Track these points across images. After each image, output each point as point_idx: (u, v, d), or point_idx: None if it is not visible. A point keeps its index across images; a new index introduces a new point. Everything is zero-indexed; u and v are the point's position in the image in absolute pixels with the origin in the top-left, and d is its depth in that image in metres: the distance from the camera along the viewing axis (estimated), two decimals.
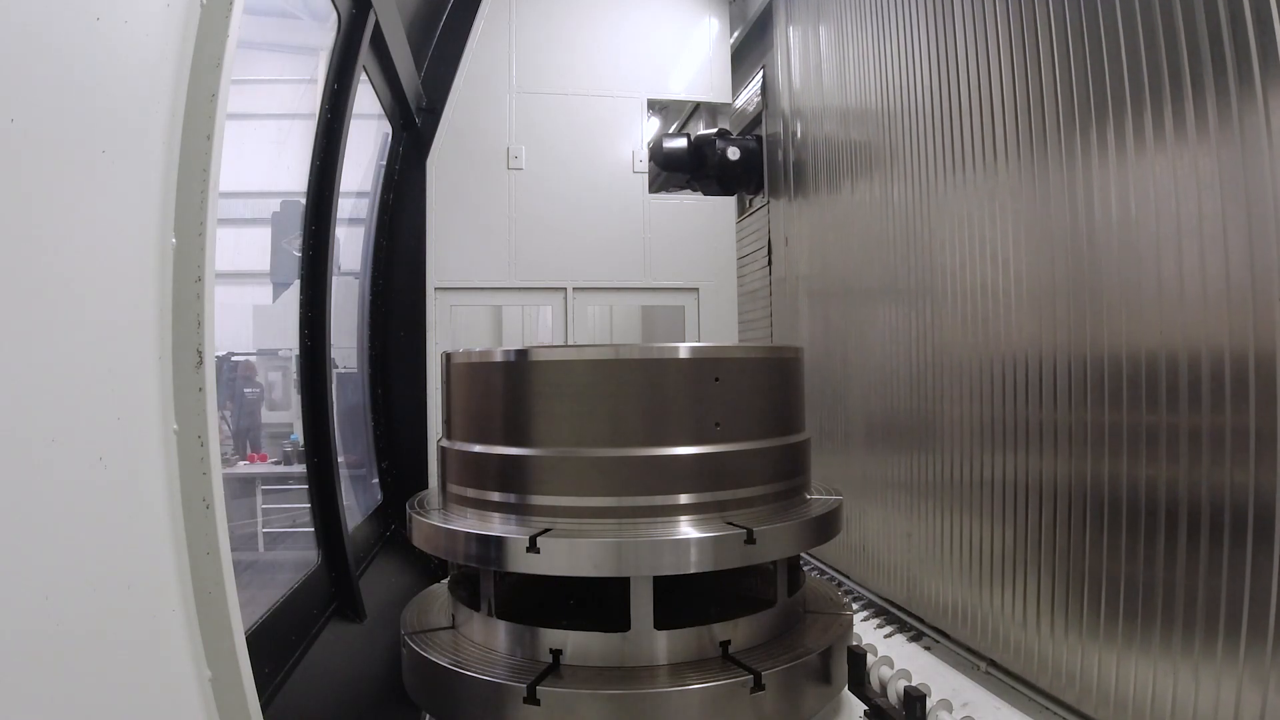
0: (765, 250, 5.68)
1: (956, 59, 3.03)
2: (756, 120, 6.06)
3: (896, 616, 3.59)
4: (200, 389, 1.50)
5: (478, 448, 2.51)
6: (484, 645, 2.41)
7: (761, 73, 5.79)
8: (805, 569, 3.03)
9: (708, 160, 5.80)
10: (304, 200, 3.63)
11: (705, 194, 6.09)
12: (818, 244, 4.68)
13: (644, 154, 6.10)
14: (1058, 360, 2.53)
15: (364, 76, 4.02)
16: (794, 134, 5.18)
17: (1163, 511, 2.10)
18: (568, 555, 2.19)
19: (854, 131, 4.09)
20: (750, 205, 6.13)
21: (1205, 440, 1.98)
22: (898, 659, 2.97)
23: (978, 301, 2.87)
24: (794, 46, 5.11)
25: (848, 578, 4.25)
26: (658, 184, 6.28)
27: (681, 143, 5.92)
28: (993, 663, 2.88)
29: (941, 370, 3.19)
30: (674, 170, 5.90)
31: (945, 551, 3.21)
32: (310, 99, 3.90)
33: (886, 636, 3.40)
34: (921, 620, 3.41)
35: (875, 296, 3.81)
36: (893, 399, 3.62)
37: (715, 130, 6.00)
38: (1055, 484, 2.57)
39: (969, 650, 3.03)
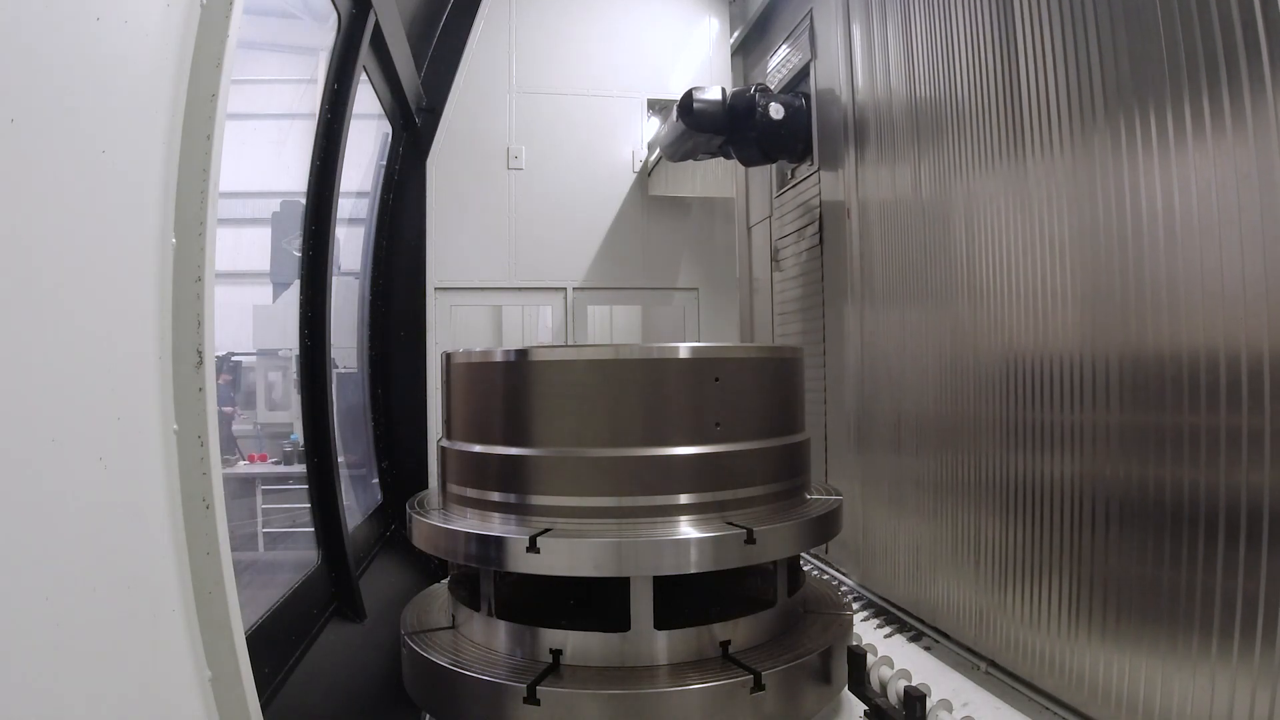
0: (815, 227, 4.72)
1: (1015, 34, 2.77)
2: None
3: (896, 616, 3.58)
4: (200, 389, 1.50)
5: (478, 448, 2.51)
6: (484, 645, 2.41)
7: (809, 20, 4.87)
8: (805, 568, 3.03)
9: (746, 120, 4.81)
10: (304, 200, 3.63)
11: (743, 161, 5.15)
12: (885, 222, 3.84)
13: (644, 153, 6.08)
14: (1101, 360, 2.44)
15: (364, 76, 4.02)
16: (855, 89, 4.14)
17: (1201, 514, 2.04)
18: (568, 555, 2.20)
19: (921, 92, 3.45)
20: (792, 176, 5.18)
21: (1245, 442, 1.94)
22: (898, 659, 2.97)
23: (1034, 298, 2.69)
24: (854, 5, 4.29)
25: (848, 577, 4.25)
26: (683, 150, 5.27)
27: (715, 95, 4.87)
28: (993, 663, 2.87)
29: (985, 367, 2.96)
30: (706, 131, 4.91)
31: (959, 552, 3.16)
32: (310, 99, 3.91)
33: (886, 636, 3.39)
34: (923, 621, 3.40)
35: (934, 290, 3.36)
36: (940, 399, 3.27)
37: (754, 86, 4.98)
38: (1067, 485, 2.54)
39: (969, 650, 3.03)
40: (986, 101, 2.94)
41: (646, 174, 6.09)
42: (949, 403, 3.19)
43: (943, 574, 3.32)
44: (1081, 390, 2.49)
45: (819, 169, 4.70)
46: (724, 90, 4.94)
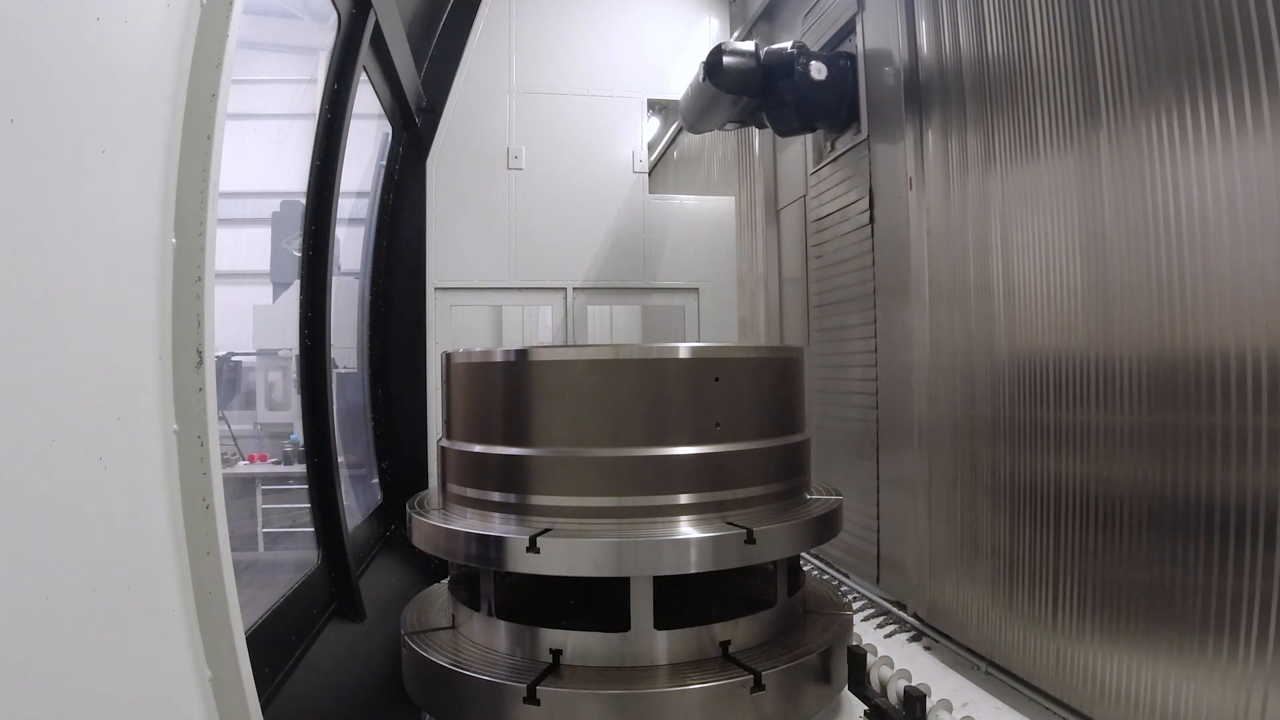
0: (864, 204, 4.06)
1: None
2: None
3: (897, 616, 3.58)
4: (200, 389, 1.50)
5: (478, 448, 2.51)
6: (484, 645, 2.41)
7: None
8: (805, 568, 3.03)
9: (783, 80, 4.20)
10: (304, 200, 3.63)
11: (778, 130, 4.53)
12: (953, 200, 3.27)
13: (644, 153, 6.07)
14: (1182, 359, 2.35)
15: (364, 76, 4.02)
16: (919, 48, 3.52)
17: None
18: (568, 555, 2.20)
19: (994, 53, 2.99)
20: (832, 149, 4.53)
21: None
22: (898, 659, 2.96)
23: (1104, 288, 2.46)
24: None
25: (847, 577, 4.24)
26: (709, 118, 4.70)
27: (749, 48, 4.28)
28: (993, 663, 2.87)
29: (1070, 365, 2.63)
30: (737, 92, 4.34)
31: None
32: (310, 99, 3.91)
33: (887, 637, 3.39)
34: (922, 620, 3.40)
35: (1014, 280, 2.93)
36: (1026, 400, 2.82)
37: (792, 42, 4.34)
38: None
39: (969, 650, 3.02)
40: (1060, 67, 2.61)
41: (647, 173, 6.09)
42: (1037, 406, 2.72)
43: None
44: (1158, 392, 2.27)
45: (868, 138, 4.09)
46: (757, 46, 4.35)
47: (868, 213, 4.05)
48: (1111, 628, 2.37)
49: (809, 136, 4.77)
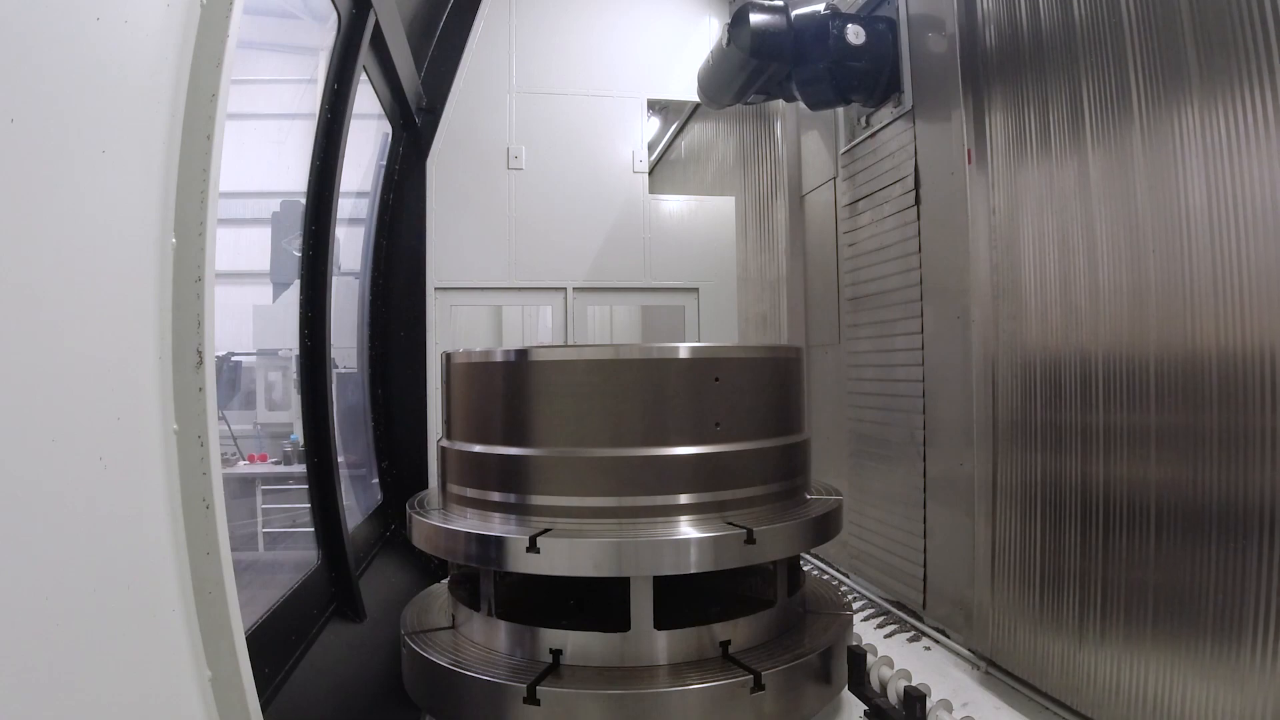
0: (908, 184, 3.68)
1: None
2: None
3: (897, 616, 3.58)
4: (200, 389, 1.50)
5: (478, 448, 2.51)
6: (484, 645, 2.41)
7: None
8: (805, 568, 3.03)
9: (816, 45, 3.86)
10: (304, 200, 3.63)
11: (809, 102, 4.16)
12: (1025, 184, 2.86)
13: (644, 153, 6.08)
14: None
15: (364, 76, 4.02)
16: (981, 10, 3.11)
17: (1244, 518, 1.94)
18: (568, 555, 2.20)
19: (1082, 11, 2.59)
20: (866, 124, 4.16)
21: None
22: (898, 659, 2.96)
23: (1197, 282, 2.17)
24: None
25: (847, 577, 4.24)
26: (733, 87, 4.29)
27: (779, 4, 3.93)
28: (992, 663, 2.87)
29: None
30: (765, 57, 3.97)
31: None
32: (310, 99, 3.91)
33: (887, 637, 3.39)
34: (920, 619, 3.40)
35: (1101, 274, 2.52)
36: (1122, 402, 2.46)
37: (825, 4, 4.00)
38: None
39: (969, 650, 3.03)
40: (1147, 29, 2.30)
41: (647, 174, 6.10)
42: (1137, 409, 2.35)
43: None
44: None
45: (913, 109, 3.72)
46: (786, 5, 3.98)
47: (913, 193, 3.65)
48: (1234, 663, 1.99)
49: (839, 112, 4.44)
